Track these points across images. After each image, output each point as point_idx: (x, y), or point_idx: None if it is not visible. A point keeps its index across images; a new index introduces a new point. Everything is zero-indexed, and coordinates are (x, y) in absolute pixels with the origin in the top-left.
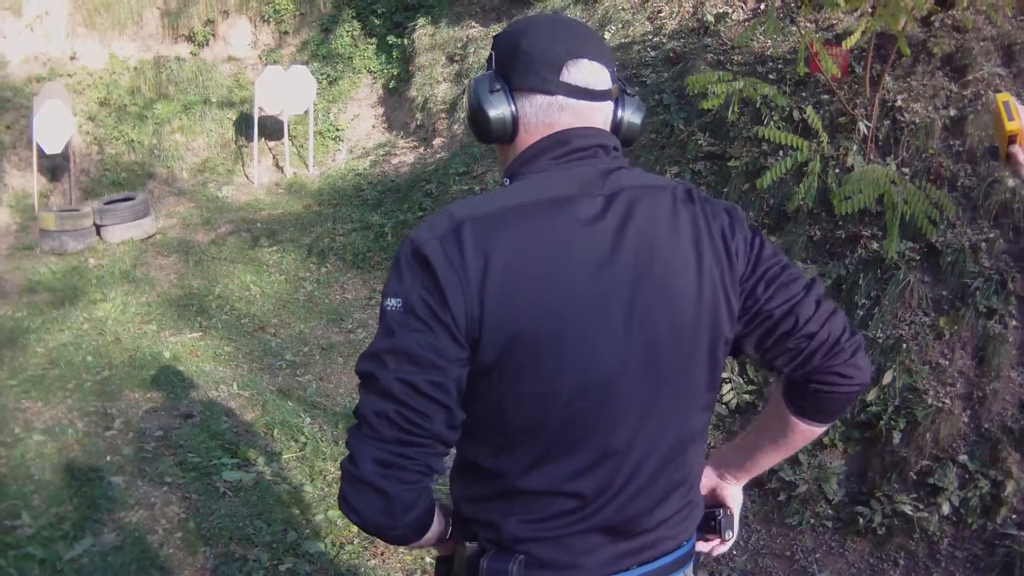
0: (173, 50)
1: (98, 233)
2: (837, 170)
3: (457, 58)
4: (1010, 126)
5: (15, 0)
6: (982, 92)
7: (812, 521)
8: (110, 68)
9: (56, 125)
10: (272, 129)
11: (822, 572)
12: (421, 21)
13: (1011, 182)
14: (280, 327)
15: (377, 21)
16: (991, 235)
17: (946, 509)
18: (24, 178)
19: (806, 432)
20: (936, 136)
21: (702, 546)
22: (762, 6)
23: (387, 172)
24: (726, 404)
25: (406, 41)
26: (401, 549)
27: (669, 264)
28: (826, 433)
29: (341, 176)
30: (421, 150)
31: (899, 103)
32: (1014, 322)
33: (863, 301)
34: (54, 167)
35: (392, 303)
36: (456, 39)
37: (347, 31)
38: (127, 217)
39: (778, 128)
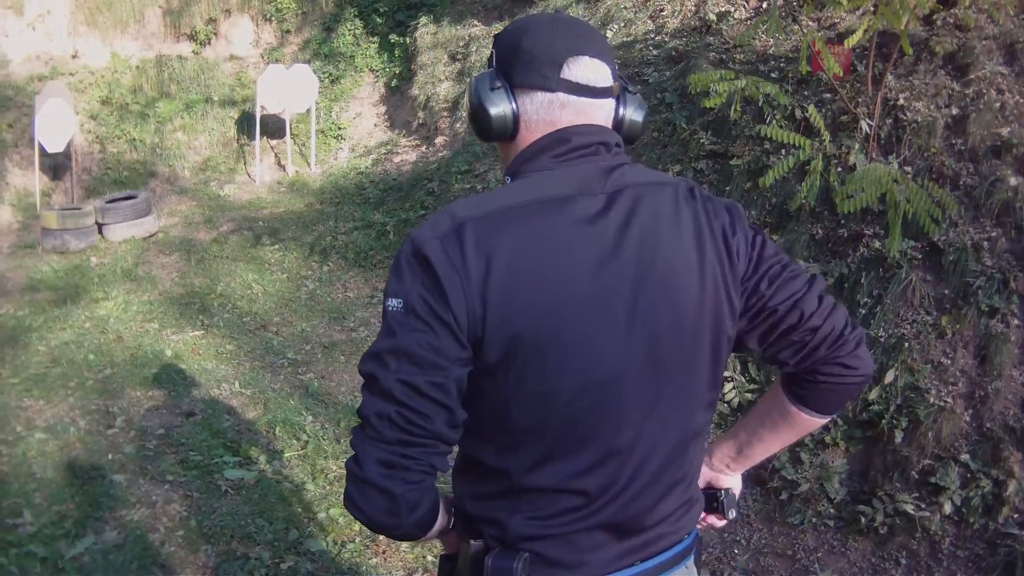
0: (175, 49)
1: (100, 232)
2: (839, 169)
3: (459, 57)
4: None
5: None
6: (984, 91)
7: (814, 520)
8: (112, 67)
9: (58, 124)
10: (274, 128)
11: (824, 571)
12: (423, 20)
13: (1013, 181)
14: (282, 325)
15: (379, 20)
16: (993, 234)
17: (948, 508)
18: (26, 177)
19: (807, 423)
20: (938, 135)
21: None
22: (764, 4)
23: (389, 171)
24: (728, 403)
25: (408, 40)
26: (403, 547)
27: (671, 262)
28: (828, 431)
29: (343, 174)
30: (423, 149)
31: (901, 102)
32: (1016, 321)
33: (865, 300)
34: (56, 166)
35: (393, 303)
36: (458, 38)
37: (349, 30)
38: (129, 216)
39: (780, 127)
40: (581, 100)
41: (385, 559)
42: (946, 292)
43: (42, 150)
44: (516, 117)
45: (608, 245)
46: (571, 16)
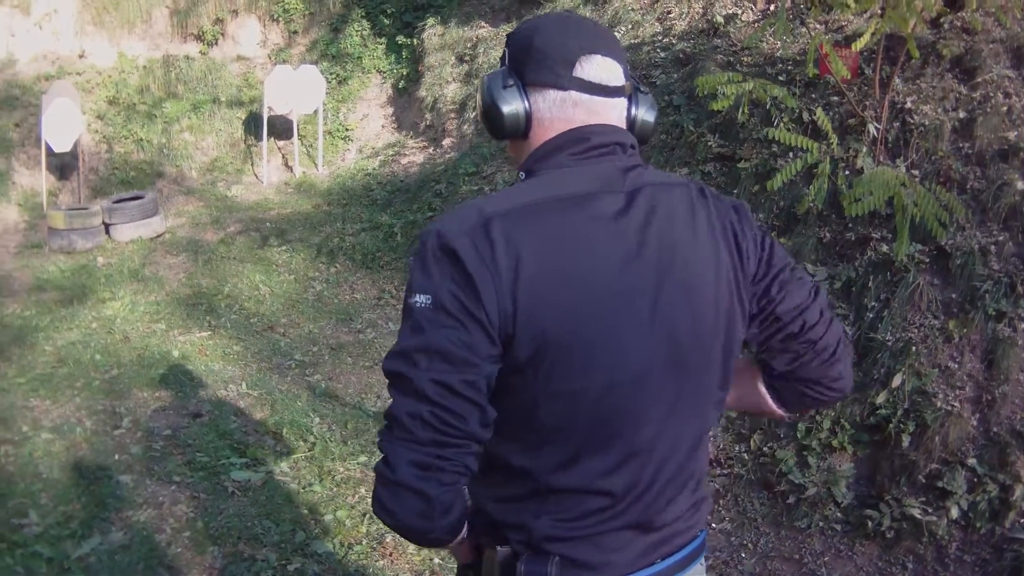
0: (182, 49)
1: (107, 232)
2: (847, 172)
3: (467, 58)
4: None
5: None
6: (991, 94)
7: (821, 524)
8: (119, 67)
9: (65, 123)
10: (281, 128)
11: (831, 575)
12: (431, 21)
13: (1020, 184)
14: (289, 327)
15: (386, 21)
16: (1000, 238)
17: (955, 513)
18: (33, 176)
19: (774, 412)
20: (945, 138)
21: None
22: (772, 7)
23: (396, 172)
24: None
25: (415, 41)
26: (410, 549)
27: (689, 262)
28: (835, 435)
29: (350, 176)
30: (431, 150)
31: (908, 105)
32: (1023, 325)
33: (872, 304)
34: (63, 165)
35: (420, 299)
36: (466, 39)
37: (356, 31)
38: (136, 216)
39: (788, 130)
40: (594, 99)
41: (392, 561)
42: (953, 296)
43: (49, 150)
44: (528, 115)
45: (631, 244)
46: (583, 16)
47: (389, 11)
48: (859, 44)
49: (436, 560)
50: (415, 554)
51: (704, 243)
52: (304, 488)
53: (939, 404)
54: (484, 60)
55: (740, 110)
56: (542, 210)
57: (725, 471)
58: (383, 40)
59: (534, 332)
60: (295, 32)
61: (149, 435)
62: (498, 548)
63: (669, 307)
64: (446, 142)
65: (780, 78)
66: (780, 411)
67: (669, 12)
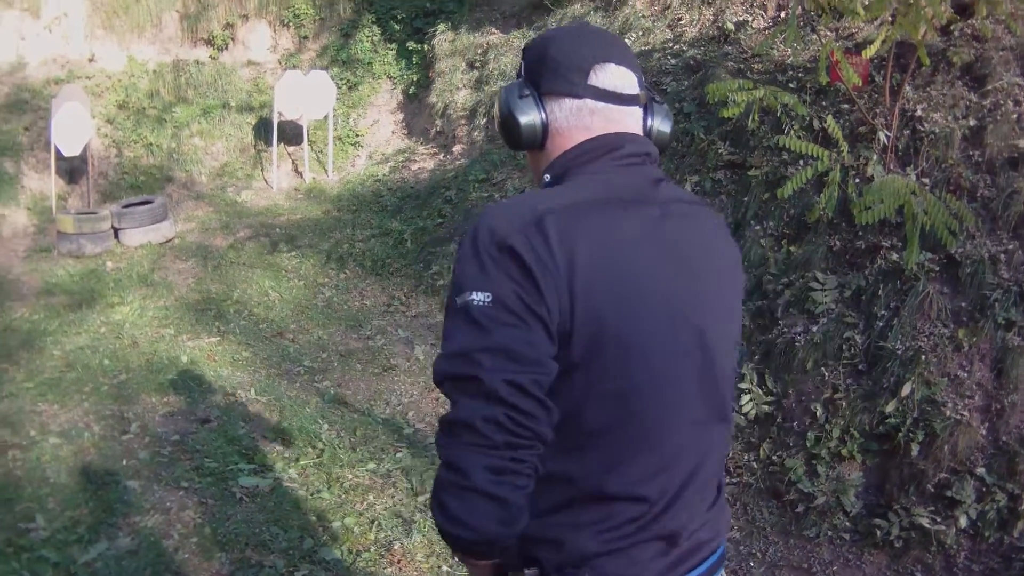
0: (192, 53)
1: (116, 236)
2: (857, 180)
3: (477, 64)
4: None
5: (33, 2)
6: (1001, 102)
7: (830, 533)
8: (129, 71)
9: (74, 127)
10: (291, 134)
11: None
12: (441, 27)
13: None
14: (298, 333)
15: (397, 27)
16: (1010, 246)
17: (963, 522)
18: (42, 180)
19: None
20: (955, 146)
21: None
22: (782, 14)
23: (407, 178)
24: (745, 415)
25: (426, 47)
26: (418, 556)
27: (715, 280)
28: (844, 444)
29: (360, 182)
30: (441, 156)
31: (919, 113)
32: None
33: (882, 312)
34: (72, 169)
35: (479, 297)
36: (476, 45)
37: (367, 36)
38: (145, 220)
39: (798, 137)
40: (609, 106)
41: (400, 569)
42: (963, 305)
43: (58, 154)
44: (545, 126)
45: (670, 252)
46: (597, 27)
47: (399, 17)
48: (870, 51)
49: (444, 568)
50: (423, 562)
51: (725, 266)
52: (312, 495)
53: (948, 413)
54: (495, 66)
55: (751, 117)
56: (592, 209)
57: (734, 480)
58: (393, 46)
59: (590, 329)
60: (305, 37)
61: (157, 440)
62: (525, 571)
63: (701, 318)
64: (456, 148)
65: (791, 85)
66: None
67: (680, 19)
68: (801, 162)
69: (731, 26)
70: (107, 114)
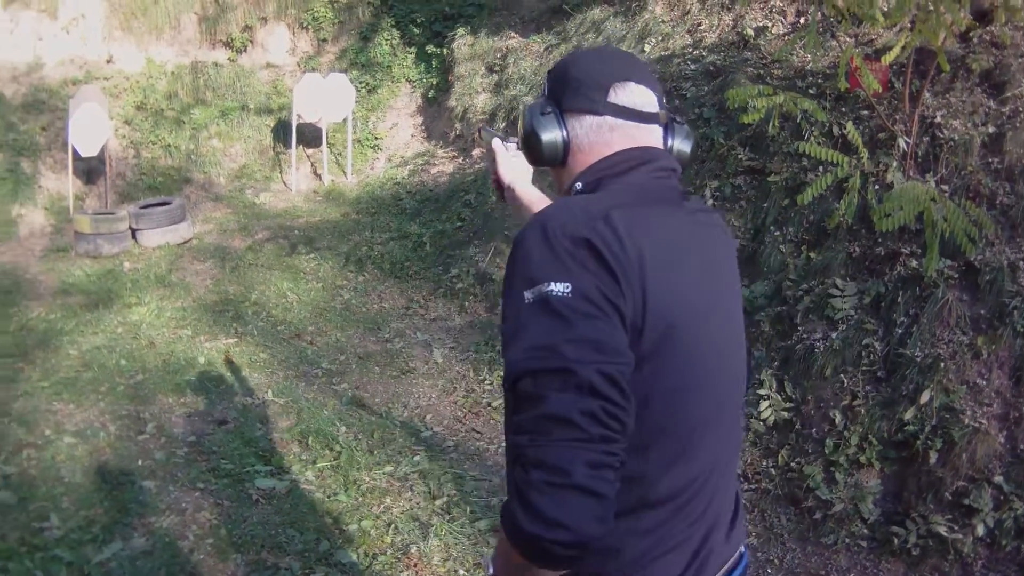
0: (211, 56)
1: (133, 237)
2: (877, 186)
3: (496, 68)
4: None
5: (51, 3)
6: (1021, 109)
7: (847, 540)
8: (147, 72)
9: (92, 128)
10: (310, 136)
11: None
12: (460, 31)
13: None
14: (317, 335)
15: (416, 30)
16: None
17: (980, 530)
18: (59, 180)
19: None
20: (975, 153)
21: None
22: (802, 20)
23: (426, 181)
24: (764, 421)
25: (445, 51)
26: (435, 560)
27: (733, 284)
28: (863, 451)
29: (379, 185)
30: (460, 160)
31: (938, 119)
32: None
33: (902, 319)
34: (89, 170)
35: (558, 288)
36: (495, 49)
37: (386, 39)
38: (163, 221)
39: (818, 143)
40: (628, 123)
41: (416, 572)
42: (982, 312)
43: (76, 154)
44: (567, 143)
45: (704, 257)
46: (618, 48)
47: (419, 20)
48: (890, 57)
49: (461, 572)
50: (440, 565)
51: (736, 278)
52: (329, 497)
53: (967, 421)
54: (514, 70)
55: (771, 123)
56: (646, 210)
57: (753, 486)
58: (413, 49)
59: (660, 324)
60: (324, 40)
61: (173, 441)
62: None
63: (731, 322)
64: (476, 152)
65: (810, 91)
66: None
67: (699, 24)
68: (821, 168)
69: (750, 32)
70: (125, 115)
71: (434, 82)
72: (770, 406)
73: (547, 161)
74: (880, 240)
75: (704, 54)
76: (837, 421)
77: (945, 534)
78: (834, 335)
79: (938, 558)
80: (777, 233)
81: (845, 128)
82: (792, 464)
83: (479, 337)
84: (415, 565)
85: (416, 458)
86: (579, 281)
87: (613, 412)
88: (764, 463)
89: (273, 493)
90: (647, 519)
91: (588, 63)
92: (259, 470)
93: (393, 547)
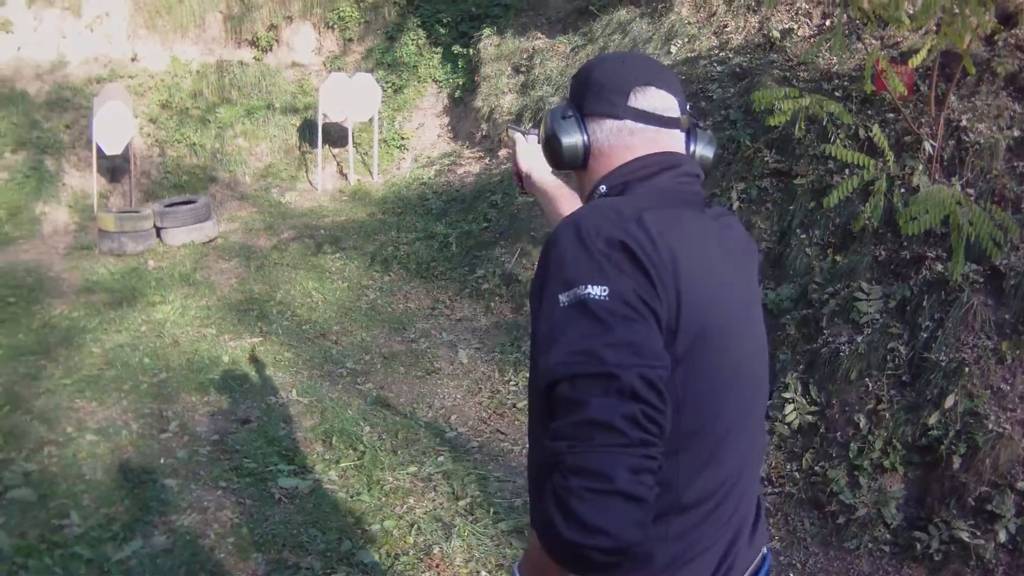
0: (236, 54)
1: (158, 235)
2: (903, 190)
3: (523, 69)
4: None
5: (75, 1)
6: None
7: (870, 545)
8: (172, 71)
9: (116, 126)
10: (336, 136)
11: None
12: (487, 31)
13: None
14: (342, 334)
15: (442, 30)
16: None
17: (1003, 536)
18: (83, 178)
19: None
20: (1000, 157)
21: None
22: (828, 22)
23: (452, 182)
24: (788, 424)
25: (471, 51)
26: (456, 561)
27: (755, 286)
28: (887, 456)
29: (406, 185)
30: (487, 161)
31: (964, 123)
32: None
33: (927, 323)
34: (114, 168)
35: (596, 291)
36: (522, 50)
37: (412, 39)
38: (188, 220)
39: (844, 146)
40: (648, 128)
41: (438, 573)
42: (1007, 317)
43: (100, 152)
44: (587, 147)
45: (732, 263)
46: (643, 54)
47: (445, 21)
48: (917, 60)
49: (483, 574)
50: (462, 567)
51: (757, 282)
52: (352, 497)
53: (990, 426)
54: (540, 71)
55: (797, 126)
56: (676, 212)
57: (777, 490)
58: (439, 49)
59: (694, 327)
60: (350, 40)
61: (196, 439)
62: None
63: (756, 324)
64: (502, 153)
65: (836, 94)
66: None
67: (725, 26)
68: (847, 171)
69: (776, 34)
70: (150, 113)
71: (460, 82)
72: (795, 409)
73: (568, 164)
74: (906, 244)
75: (730, 56)
76: (861, 425)
77: (967, 540)
78: (859, 339)
79: (960, 564)
80: (803, 236)
81: (871, 131)
82: (816, 468)
83: (505, 338)
84: (437, 566)
85: (440, 459)
86: (616, 284)
87: (652, 416)
88: (788, 467)
89: (296, 492)
90: (677, 524)
91: (610, 67)
92: (282, 469)
93: (415, 548)
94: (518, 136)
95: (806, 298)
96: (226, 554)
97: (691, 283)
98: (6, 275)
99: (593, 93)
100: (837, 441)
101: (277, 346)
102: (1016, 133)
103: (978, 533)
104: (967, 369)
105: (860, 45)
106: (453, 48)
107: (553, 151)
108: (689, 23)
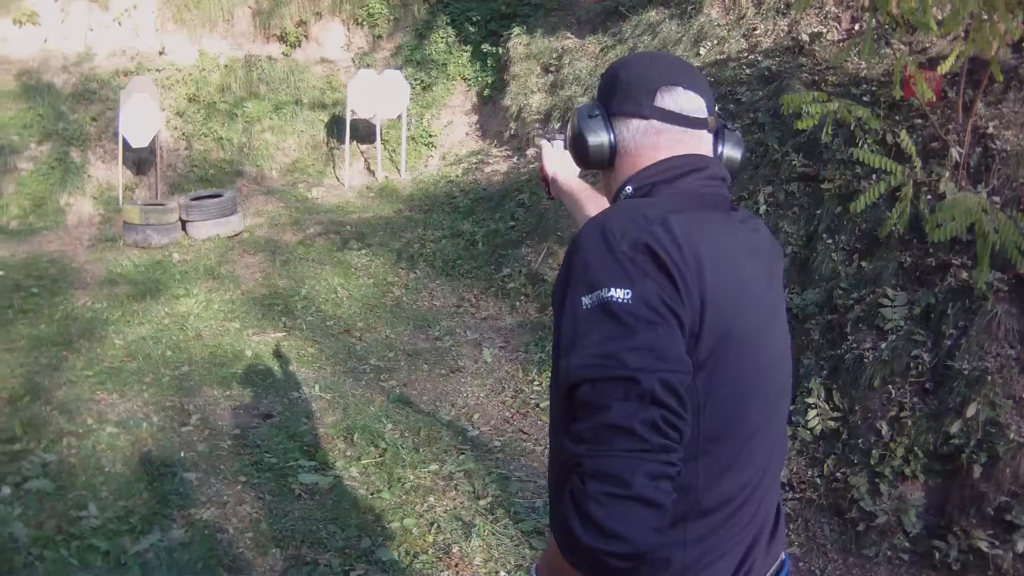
0: (264, 49)
1: (183, 228)
2: (929, 196)
3: (552, 68)
4: None
5: None
6: None
7: (889, 553)
8: (200, 65)
9: (143, 119)
10: (364, 132)
11: None
12: (516, 30)
13: None
14: (366, 331)
15: (472, 28)
16: None
17: (1021, 547)
18: (109, 170)
19: None
20: None
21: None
22: (857, 27)
23: (479, 180)
24: (811, 430)
25: (501, 50)
26: (476, 560)
27: (781, 295)
28: (908, 464)
29: (433, 182)
30: (515, 160)
31: (991, 130)
32: None
33: (951, 331)
34: (140, 161)
35: (619, 294)
36: (551, 49)
37: (441, 37)
38: (214, 214)
39: (872, 151)
40: (675, 128)
41: (457, 572)
42: None
43: (126, 144)
44: (613, 146)
45: (758, 267)
46: (671, 54)
47: (474, 19)
48: (945, 67)
49: (502, 574)
50: (481, 566)
51: (781, 286)
52: (372, 494)
53: (1011, 436)
54: (569, 71)
55: (824, 130)
56: (701, 215)
57: (797, 495)
58: (468, 48)
59: (717, 331)
60: (379, 37)
61: (217, 433)
62: None
63: (780, 329)
64: (530, 152)
65: (864, 99)
66: None
67: (755, 29)
68: (874, 176)
69: (806, 37)
70: (177, 107)
71: (489, 81)
72: (818, 415)
73: (594, 163)
74: (931, 250)
75: (759, 59)
76: (883, 432)
77: (986, 549)
78: (883, 345)
79: (978, 573)
80: (829, 241)
81: (899, 136)
82: (837, 474)
83: (529, 337)
84: (456, 565)
85: (461, 457)
86: (640, 288)
87: (672, 421)
88: (809, 472)
89: (316, 488)
90: (695, 528)
91: (637, 67)
92: (303, 465)
93: (435, 546)
94: (543, 142)
95: (831, 303)
96: (244, 549)
97: (716, 287)
98: (30, 265)
99: (620, 92)
100: (859, 448)
101: (301, 341)
102: None
103: (997, 543)
104: (989, 378)
105: (888, 50)
106: (482, 46)
107: (579, 149)
108: (719, 25)
